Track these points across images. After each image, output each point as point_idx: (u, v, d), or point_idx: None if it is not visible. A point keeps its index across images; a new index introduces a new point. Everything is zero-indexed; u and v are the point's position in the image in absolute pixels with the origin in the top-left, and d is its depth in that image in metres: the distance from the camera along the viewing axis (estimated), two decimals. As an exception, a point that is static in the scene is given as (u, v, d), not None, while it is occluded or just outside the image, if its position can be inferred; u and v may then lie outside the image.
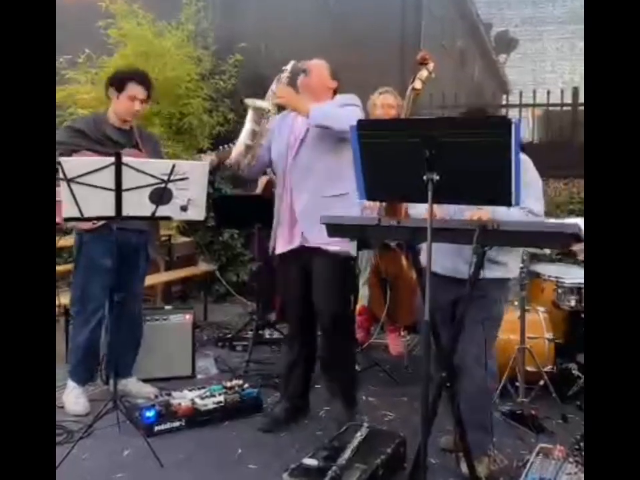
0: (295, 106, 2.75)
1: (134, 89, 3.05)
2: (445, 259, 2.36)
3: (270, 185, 3.96)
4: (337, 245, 2.69)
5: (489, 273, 2.33)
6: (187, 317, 3.63)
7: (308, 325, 2.92)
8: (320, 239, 2.64)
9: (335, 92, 2.91)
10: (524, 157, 2.44)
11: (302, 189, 2.79)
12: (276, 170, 2.97)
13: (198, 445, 2.77)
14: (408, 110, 3.18)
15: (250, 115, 2.76)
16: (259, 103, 2.72)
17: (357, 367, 3.58)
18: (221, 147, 3.09)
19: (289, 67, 2.80)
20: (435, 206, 1.99)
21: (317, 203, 2.72)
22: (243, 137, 2.78)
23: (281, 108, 2.82)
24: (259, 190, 4.20)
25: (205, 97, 5.54)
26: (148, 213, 2.66)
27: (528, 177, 2.35)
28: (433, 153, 1.88)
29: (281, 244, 2.88)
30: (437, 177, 1.88)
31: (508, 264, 2.46)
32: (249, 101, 2.75)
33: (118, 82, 3.08)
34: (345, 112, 2.67)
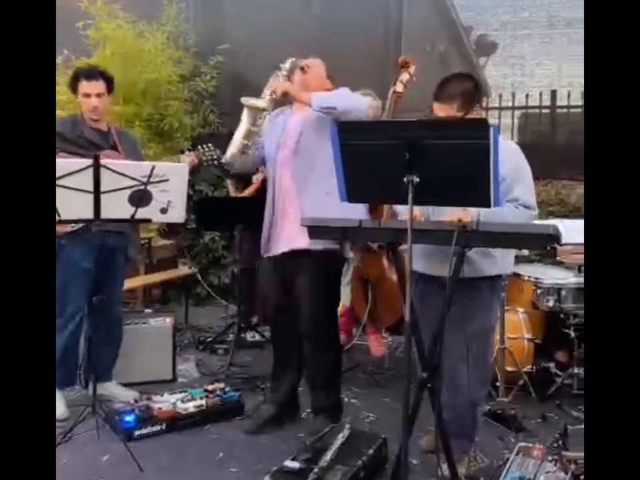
0: (296, 94, 2.71)
1: (84, 86, 3.04)
2: (429, 259, 2.35)
3: (264, 184, 3.95)
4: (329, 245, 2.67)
5: (485, 269, 2.32)
6: (168, 320, 3.60)
7: (293, 329, 2.89)
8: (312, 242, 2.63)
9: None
10: (514, 147, 2.45)
11: (296, 191, 2.75)
12: (267, 170, 2.94)
13: (179, 449, 2.75)
14: (390, 113, 3.20)
15: (245, 114, 2.75)
16: (254, 101, 2.70)
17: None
18: (199, 147, 3.08)
19: (287, 64, 2.79)
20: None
21: (314, 203, 2.66)
22: (238, 136, 2.77)
23: (276, 105, 2.80)
24: (253, 188, 4.17)
25: (186, 99, 5.52)
26: (127, 216, 2.64)
27: (522, 170, 2.36)
28: (413, 155, 1.89)
29: (273, 246, 2.84)
30: (417, 179, 1.90)
31: (498, 257, 2.36)
32: (245, 100, 2.74)
33: (72, 83, 3.09)
34: (348, 93, 2.67)
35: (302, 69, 2.81)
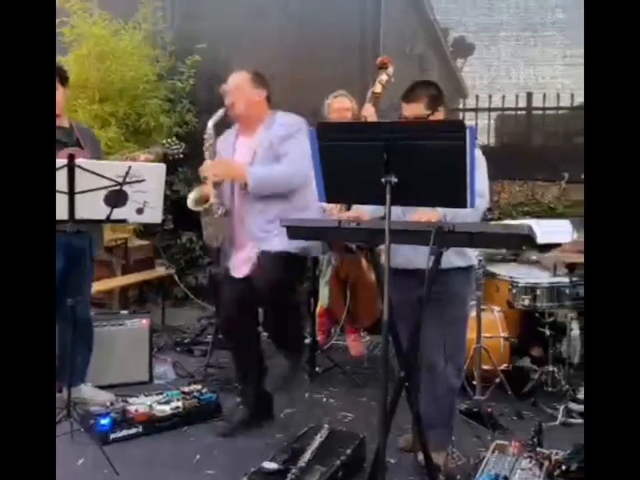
0: (231, 178, 2.74)
1: None
2: (399, 253, 2.37)
3: None
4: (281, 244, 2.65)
5: (454, 261, 2.39)
6: (144, 321, 3.57)
7: (249, 329, 2.89)
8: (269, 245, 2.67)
9: (269, 99, 2.84)
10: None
11: (252, 211, 2.75)
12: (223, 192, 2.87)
13: (155, 451, 2.72)
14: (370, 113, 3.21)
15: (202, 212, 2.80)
16: (200, 206, 2.75)
17: (317, 370, 3.60)
18: (164, 142, 3.08)
19: (209, 130, 2.79)
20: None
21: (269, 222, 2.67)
22: (205, 228, 2.83)
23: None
24: None
25: (163, 98, 5.47)
26: (103, 216, 2.60)
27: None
28: (391, 156, 1.90)
29: (237, 270, 2.83)
30: (395, 180, 1.91)
31: (468, 251, 2.48)
32: (192, 205, 2.79)
33: None
34: (282, 171, 2.65)
35: (230, 105, 2.77)
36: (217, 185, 2.75)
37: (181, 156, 3.18)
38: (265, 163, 2.72)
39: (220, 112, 2.79)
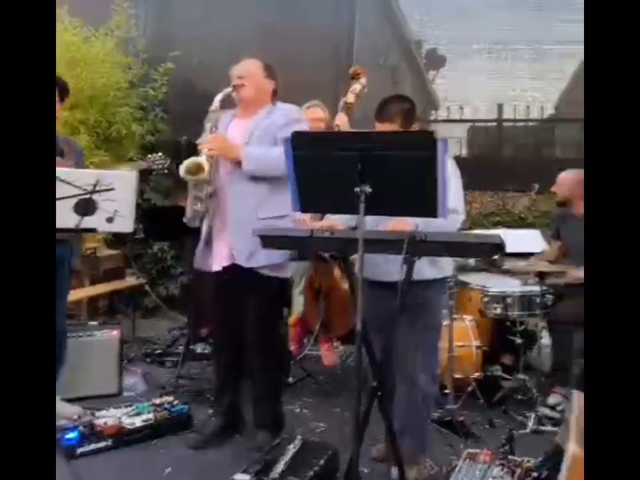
0: (226, 156, 2.69)
1: None
2: (373, 265, 2.38)
3: None
4: (271, 269, 2.68)
5: (428, 272, 2.40)
6: (114, 332, 3.51)
7: (236, 341, 2.84)
8: (254, 261, 2.64)
9: (275, 92, 2.83)
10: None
11: (238, 204, 2.70)
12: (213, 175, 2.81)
13: (125, 465, 2.66)
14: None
15: (189, 184, 2.73)
16: (196, 177, 2.65)
17: (290, 380, 3.57)
18: (149, 156, 3.03)
19: (215, 103, 2.73)
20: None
21: (253, 223, 2.59)
22: (191, 204, 2.75)
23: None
24: None
25: (135, 106, 5.41)
26: (72, 225, 2.55)
27: (450, 176, 2.42)
28: (365, 166, 1.91)
29: (217, 261, 2.78)
30: (369, 189, 1.92)
31: (443, 262, 2.49)
32: (187, 177, 2.68)
33: None
34: (278, 153, 2.38)
35: (240, 77, 2.74)
36: (211, 160, 2.68)
37: (166, 171, 3.13)
38: (261, 145, 2.69)
39: (227, 89, 2.75)
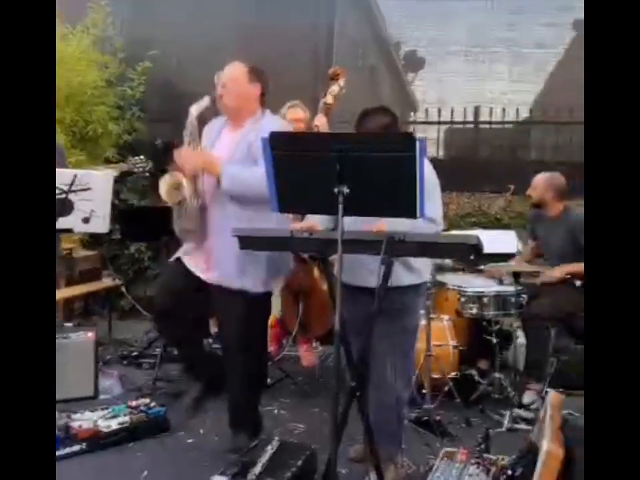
0: (205, 170, 2.59)
1: None
2: (352, 271, 2.38)
3: None
4: (256, 285, 2.62)
5: (406, 279, 2.40)
6: (89, 334, 3.46)
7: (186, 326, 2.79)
8: (239, 283, 2.58)
9: (263, 94, 2.72)
10: (426, 162, 2.52)
11: (223, 232, 2.52)
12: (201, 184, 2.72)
13: (100, 469, 2.63)
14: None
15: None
16: (177, 195, 2.58)
17: (268, 381, 3.56)
18: (130, 158, 3.00)
19: (192, 114, 2.62)
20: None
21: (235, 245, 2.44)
22: (179, 223, 2.67)
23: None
24: None
25: (112, 105, 5.35)
26: (46, 225, 2.52)
27: (431, 186, 2.43)
28: (343, 167, 1.92)
29: (200, 270, 2.69)
30: (347, 190, 1.93)
31: (420, 269, 2.49)
32: (168, 197, 2.61)
33: None
34: (259, 174, 2.23)
35: (223, 86, 2.65)
36: (193, 176, 2.61)
37: (147, 174, 3.08)
38: (245, 160, 2.59)
39: (205, 100, 2.66)
